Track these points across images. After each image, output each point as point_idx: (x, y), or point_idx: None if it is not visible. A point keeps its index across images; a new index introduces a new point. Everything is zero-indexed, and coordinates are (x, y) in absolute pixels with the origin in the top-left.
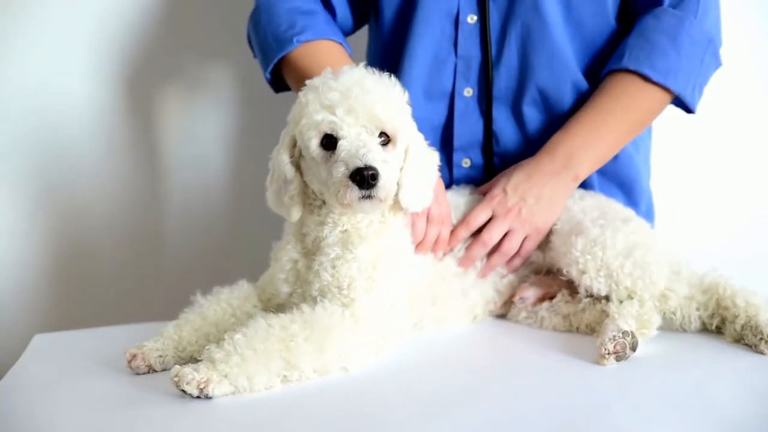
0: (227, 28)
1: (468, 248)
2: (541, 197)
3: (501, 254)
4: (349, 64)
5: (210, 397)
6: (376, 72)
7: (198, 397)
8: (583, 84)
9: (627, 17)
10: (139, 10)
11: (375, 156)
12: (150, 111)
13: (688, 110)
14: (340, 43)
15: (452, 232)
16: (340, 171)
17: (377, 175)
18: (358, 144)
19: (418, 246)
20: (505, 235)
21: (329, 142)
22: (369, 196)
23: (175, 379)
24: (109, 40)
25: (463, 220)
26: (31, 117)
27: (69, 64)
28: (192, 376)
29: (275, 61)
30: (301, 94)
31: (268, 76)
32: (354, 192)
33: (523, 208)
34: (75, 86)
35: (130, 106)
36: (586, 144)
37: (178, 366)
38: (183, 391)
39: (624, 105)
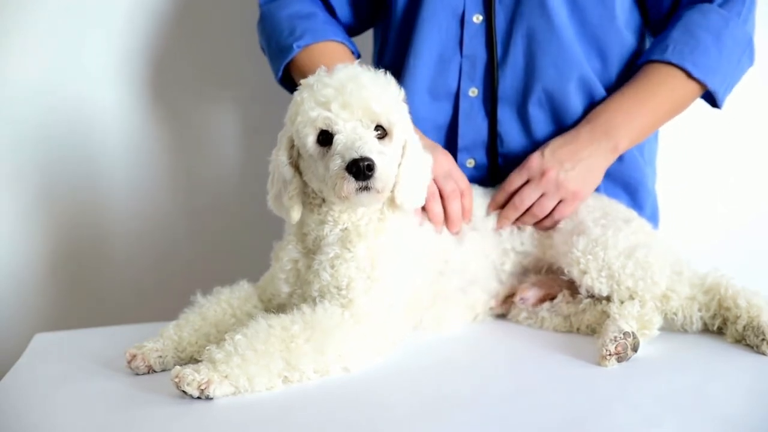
0: (237, 29)
1: (503, 211)
2: (579, 162)
3: (531, 215)
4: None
5: (211, 398)
6: (371, 69)
7: (198, 397)
8: (591, 84)
9: (645, 18)
10: (150, 10)
11: (371, 147)
12: (154, 112)
13: (715, 105)
14: (342, 42)
15: (493, 199)
16: (337, 163)
17: (373, 166)
18: (354, 137)
19: (449, 226)
20: (539, 198)
21: (325, 138)
22: (366, 188)
23: (176, 380)
24: (117, 40)
25: (501, 185)
26: (34, 115)
27: (76, 63)
28: (192, 377)
29: (281, 68)
30: (296, 93)
31: (279, 82)
32: (351, 183)
33: (560, 172)
34: (79, 86)
35: (135, 107)
36: (629, 117)
37: (178, 367)
38: (183, 392)
39: (664, 92)
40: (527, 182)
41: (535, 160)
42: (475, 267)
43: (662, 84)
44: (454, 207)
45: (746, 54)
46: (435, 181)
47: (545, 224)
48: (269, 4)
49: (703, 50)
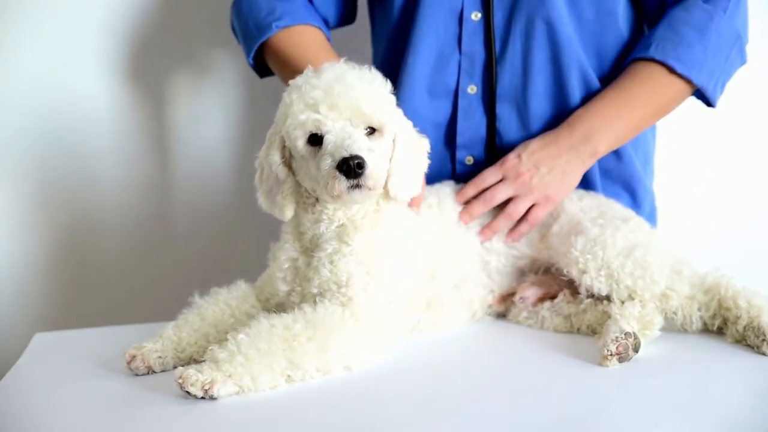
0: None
1: (470, 205)
2: (555, 168)
3: (505, 217)
4: (325, 48)
5: (215, 398)
6: (357, 66)
7: (203, 398)
8: (590, 81)
9: (641, 13)
10: (145, 4)
11: (360, 145)
12: (153, 110)
13: (709, 104)
14: (319, 27)
15: (461, 191)
16: (327, 163)
17: (364, 164)
18: (343, 136)
19: None
20: (512, 199)
21: (316, 139)
22: (357, 186)
23: (180, 380)
24: (114, 35)
25: (473, 179)
26: (33, 113)
27: (74, 59)
28: (196, 378)
29: (256, 47)
30: (285, 94)
31: (251, 62)
32: (342, 182)
33: (534, 176)
34: (78, 83)
35: (134, 105)
36: (608, 122)
37: (181, 368)
38: (188, 392)
39: (647, 91)
40: (501, 180)
41: (511, 160)
42: (465, 264)
43: (645, 82)
44: None
45: (735, 50)
46: None
47: (521, 229)
48: None
49: (686, 46)
